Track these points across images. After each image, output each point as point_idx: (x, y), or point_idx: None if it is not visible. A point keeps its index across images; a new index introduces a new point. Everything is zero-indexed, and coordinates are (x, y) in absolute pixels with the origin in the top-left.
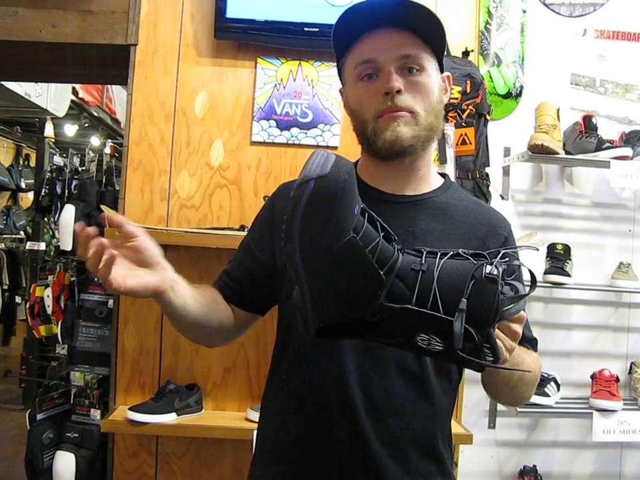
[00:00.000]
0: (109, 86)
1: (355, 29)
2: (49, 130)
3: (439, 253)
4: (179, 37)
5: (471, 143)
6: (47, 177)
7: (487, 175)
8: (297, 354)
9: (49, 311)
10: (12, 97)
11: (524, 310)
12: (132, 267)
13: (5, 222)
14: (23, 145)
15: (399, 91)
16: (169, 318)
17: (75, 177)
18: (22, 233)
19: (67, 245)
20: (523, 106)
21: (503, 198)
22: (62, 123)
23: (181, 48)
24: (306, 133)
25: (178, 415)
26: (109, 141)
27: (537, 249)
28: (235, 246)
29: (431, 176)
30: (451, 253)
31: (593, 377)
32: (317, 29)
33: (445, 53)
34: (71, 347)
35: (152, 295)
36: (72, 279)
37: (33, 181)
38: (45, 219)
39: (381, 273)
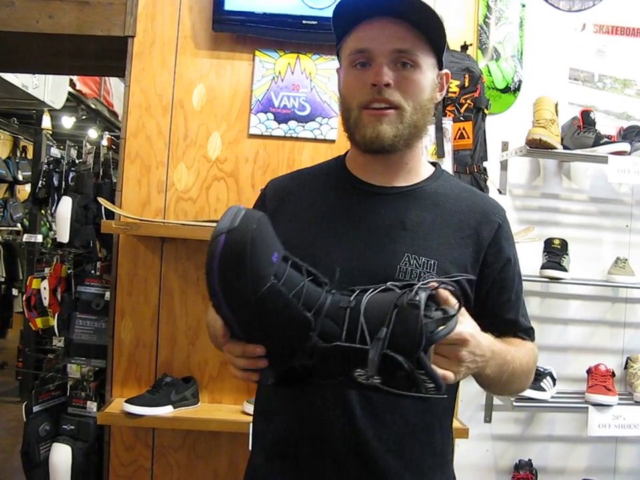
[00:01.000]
0: (106, 78)
1: (356, 13)
2: (46, 122)
3: (370, 290)
4: (177, 29)
5: (468, 137)
6: (44, 169)
7: (485, 169)
8: None
9: (46, 303)
10: (9, 88)
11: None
12: None
13: (2, 214)
14: (20, 137)
15: (387, 85)
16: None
17: (72, 169)
18: (19, 225)
19: (63, 237)
20: (521, 100)
21: (500, 192)
22: (59, 115)
23: (178, 40)
24: (304, 126)
25: (174, 408)
26: (107, 133)
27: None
28: None
29: (421, 166)
30: (382, 287)
31: (588, 371)
32: (316, 22)
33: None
34: (68, 339)
35: None
36: (69, 271)
37: (30, 173)
38: (42, 211)
39: (308, 315)
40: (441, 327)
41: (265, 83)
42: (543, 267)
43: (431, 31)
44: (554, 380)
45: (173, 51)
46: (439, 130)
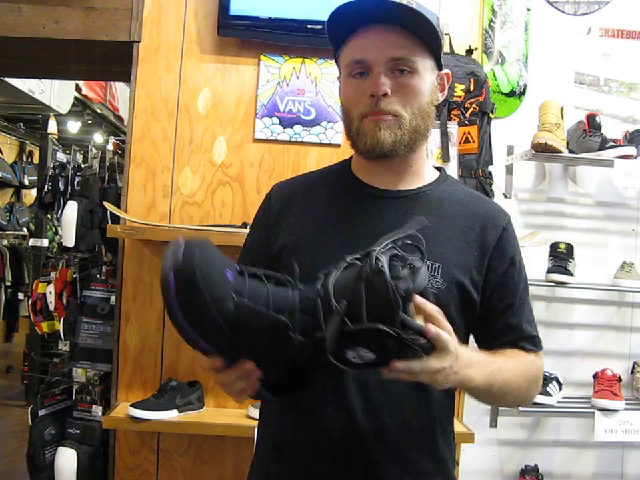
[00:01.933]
0: (112, 83)
1: (350, 22)
2: (52, 127)
3: (333, 272)
4: (182, 34)
5: (474, 142)
6: (50, 173)
7: (490, 173)
8: None
9: (52, 307)
10: (15, 93)
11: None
12: None
13: (8, 219)
14: (26, 141)
15: (385, 94)
16: None
17: (78, 173)
18: (25, 229)
19: (69, 241)
20: (527, 104)
21: (505, 197)
22: (65, 119)
23: (184, 45)
24: (309, 131)
25: (179, 412)
26: (112, 137)
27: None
28: (237, 243)
29: (425, 170)
30: (344, 265)
31: (595, 376)
32: (321, 27)
33: (449, 51)
34: (73, 343)
35: None
36: (74, 276)
37: (36, 177)
38: (48, 216)
39: (282, 318)
40: (411, 283)
41: (270, 88)
42: (549, 271)
43: (426, 34)
44: (560, 385)
45: (179, 55)
46: (444, 134)
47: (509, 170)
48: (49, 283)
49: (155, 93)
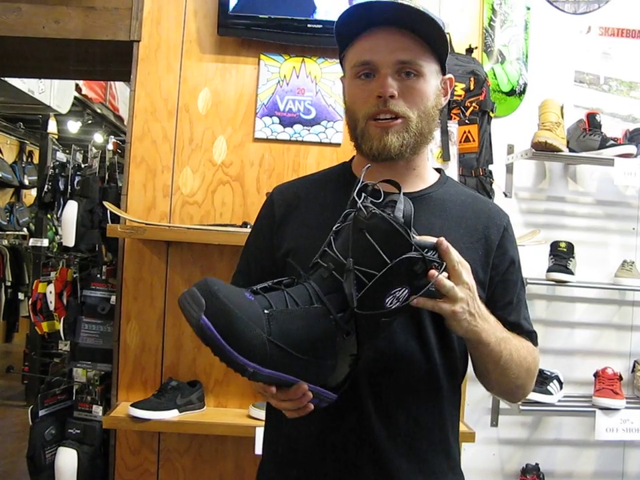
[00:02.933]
0: (112, 83)
1: (358, 24)
2: (52, 127)
3: (328, 245)
4: (182, 34)
5: (474, 141)
6: (50, 173)
7: (490, 172)
8: None
9: (52, 307)
10: (15, 93)
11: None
12: None
13: (8, 219)
14: (26, 141)
15: (392, 96)
16: None
17: (78, 173)
18: (25, 229)
19: (69, 241)
20: (527, 103)
21: (506, 196)
22: (65, 119)
23: (184, 44)
24: (309, 130)
25: (180, 412)
26: (112, 137)
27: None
28: (238, 242)
29: (427, 172)
30: (333, 236)
31: (595, 375)
32: (321, 26)
33: (449, 50)
34: (74, 343)
35: None
36: (74, 275)
37: (36, 177)
38: (48, 216)
39: (317, 306)
40: (403, 210)
41: (270, 87)
42: (549, 270)
43: (433, 39)
44: (561, 383)
45: (178, 55)
46: (445, 133)
47: (509, 169)
48: (49, 282)
49: (155, 93)
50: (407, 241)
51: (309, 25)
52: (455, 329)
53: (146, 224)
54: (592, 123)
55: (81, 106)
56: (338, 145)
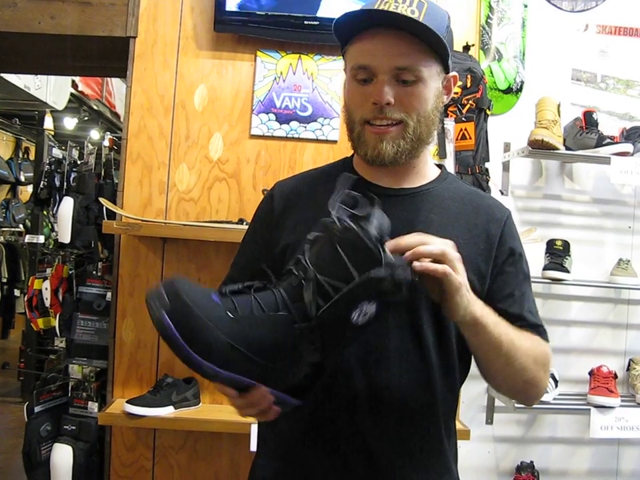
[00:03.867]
0: (108, 79)
1: (358, 23)
2: (48, 123)
3: (303, 253)
4: (179, 30)
5: (470, 138)
6: (46, 169)
7: (487, 170)
8: None
9: (47, 303)
10: (11, 89)
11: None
12: None
13: (4, 215)
14: (22, 138)
15: (388, 104)
16: None
17: (74, 169)
18: (21, 226)
19: (65, 237)
20: (524, 101)
21: (502, 193)
22: (61, 116)
23: (180, 41)
24: (305, 127)
25: (175, 409)
26: (108, 133)
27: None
28: (234, 239)
29: (427, 169)
30: (309, 244)
31: (591, 373)
32: (317, 22)
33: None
34: (69, 339)
35: None
36: (70, 272)
37: (32, 174)
38: (44, 212)
39: (280, 313)
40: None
41: (267, 84)
42: (545, 268)
43: (435, 41)
44: (556, 381)
45: (175, 51)
46: (441, 131)
47: (506, 167)
48: (45, 279)
49: (151, 89)
50: (377, 258)
51: (305, 22)
52: (455, 308)
53: (142, 220)
54: (589, 121)
55: (77, 102)
56: (334, 142)
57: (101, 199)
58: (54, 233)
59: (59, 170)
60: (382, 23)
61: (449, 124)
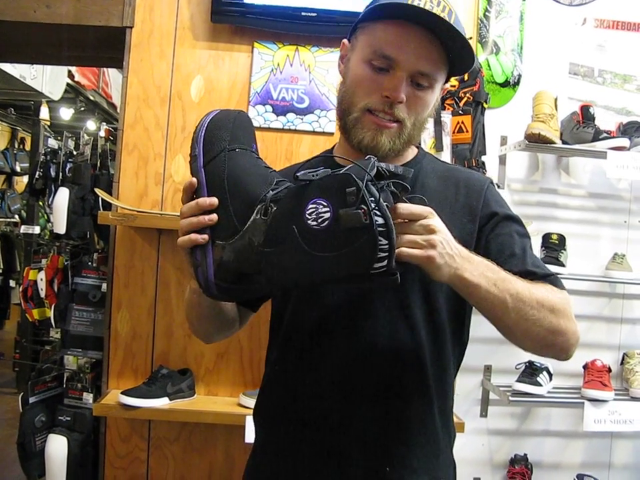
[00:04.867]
0: (105, 70)
1: (389, 8)
2: (44, 113)
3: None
4: (175, 20)
5: (467, 131)
6: (41, 159)
7: (483, 163)
8: (287, 345)
9: (43, 294)
10: (6, 79)
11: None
12: None
13: None
14: (18, 128)
15: (400, 102)
16: (198, 308)
17: (70, 160)
18: (16, 216)
19: (60, 228)
20: (521, 95)
21: (498, 187)
22: (57, 106)
23: (177, 31)
24: (302, 119)
25: (170, 400)
26: (104, 124)
27: None
28: None
29: (407, 153)
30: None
31: (585, 367)
32: (315, 14)
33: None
34: (64, 330)
35: None
36: (66, 263)
37: (27, 164)
38: (40, 203)
39: (269, 170)
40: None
41: (264, 75)
42: None
43: (458, 57)
44: (550, 375)
45: (172, 42)
46: (438, 123)
47: (502, 160)
48: (40, 270)
49: (148, 80)
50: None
51: (303, 13)
52: (438, 278)
53: (137, 211)
54: (585, 115)
55: (73, 93)
56: (331, 134)
57: (97, 190)
58: (49, 224)
59: (54, 160)
60: (411, 18)
61: (446, 117)
